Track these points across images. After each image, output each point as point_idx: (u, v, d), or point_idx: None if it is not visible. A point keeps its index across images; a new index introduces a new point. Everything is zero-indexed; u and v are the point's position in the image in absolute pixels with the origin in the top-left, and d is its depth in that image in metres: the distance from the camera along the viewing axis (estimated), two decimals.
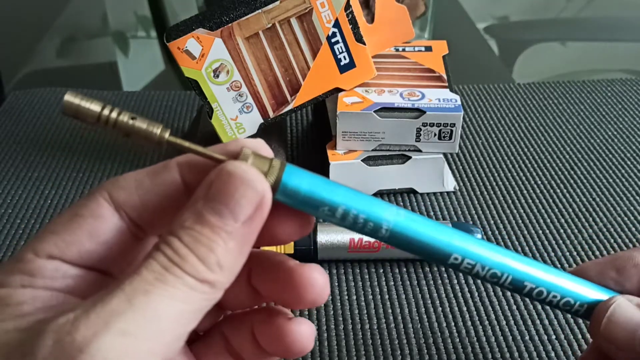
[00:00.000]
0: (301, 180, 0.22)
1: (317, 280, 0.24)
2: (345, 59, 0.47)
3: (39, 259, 0.22)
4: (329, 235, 0.42)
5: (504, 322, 0.38)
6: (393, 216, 0.23)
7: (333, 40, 0.46)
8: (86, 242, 0.22)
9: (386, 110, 0.47)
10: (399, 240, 0.23)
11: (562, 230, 0.46)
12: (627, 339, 0.25)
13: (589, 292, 0.26)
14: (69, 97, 0.21)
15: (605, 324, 0.25)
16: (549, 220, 0.47)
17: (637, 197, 0.49)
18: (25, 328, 0.20)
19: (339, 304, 0.40)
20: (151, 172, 0.23)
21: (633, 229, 0.46)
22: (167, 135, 0.22)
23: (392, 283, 0.41)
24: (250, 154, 0.22)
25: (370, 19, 0.48)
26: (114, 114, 0.21)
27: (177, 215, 0.21)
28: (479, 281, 0.41)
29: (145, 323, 0.19)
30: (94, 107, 0.21)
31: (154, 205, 0.23)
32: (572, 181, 0.51)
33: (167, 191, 0.23)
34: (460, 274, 0.42)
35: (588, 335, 0.37)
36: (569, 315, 0.39)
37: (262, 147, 0.23)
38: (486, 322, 0.38)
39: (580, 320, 0.38)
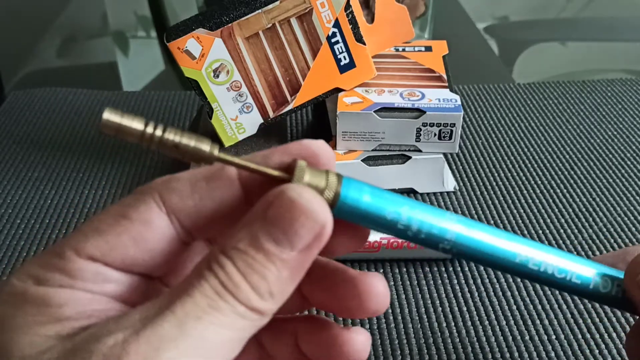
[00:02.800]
0: (360, 193, 0.21)
1: (379, 289, 0.23)
2: (345, 59, 0.47)
3: (80, 259, 0.21)
4: None
5: (504, 322, 0.38)
6: (457, 224, 0.22)
7: (333, 40, 0.46)
8: (131, 249, 0.21)
9: (386, 110, 0.47)
10: (463, 250, 0.23)
11: (562, 230, 0.46)
12: None
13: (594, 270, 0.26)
14: (109, 115, 0.19)
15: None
16: (549, 220, 0.47)
17: (637, 197, 0.49)
18: (68, 335, 0.19)
19: None
20: (208, 176, 0.22)
21: (633, 229, 0.46)
22: (216, 152, 0.20)
23: (392, 283, 0.41)
24: (306, 170, 0.21)
25: (370, 19, 0.48)
26: (158, 132, 0.20)
27: (232, 233, 0.20)
28: (479, 281, 0.41)
29: (196, 352, 0.18)
30: (137, 124, 0.20)
31: (209, 211, 0.22)
32: (572, 181, 0.51)
33: (224, 197, 0.22)
34: (461, 274, 0.42)
35: (588, 336, 0.37)
36: (569, 316, 0.39)
37: (323, 150, 0.22)
38: (486, 322, 0.38)
39: (581, 321, 0.38)
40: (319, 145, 0.22)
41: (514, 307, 0.39)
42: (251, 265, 0.19)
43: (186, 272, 0.24)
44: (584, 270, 0.24)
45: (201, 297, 0.19)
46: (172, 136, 0.20)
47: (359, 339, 0.24)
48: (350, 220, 0.22)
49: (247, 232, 0.20)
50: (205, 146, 0.20)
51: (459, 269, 0.42)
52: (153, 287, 0.23)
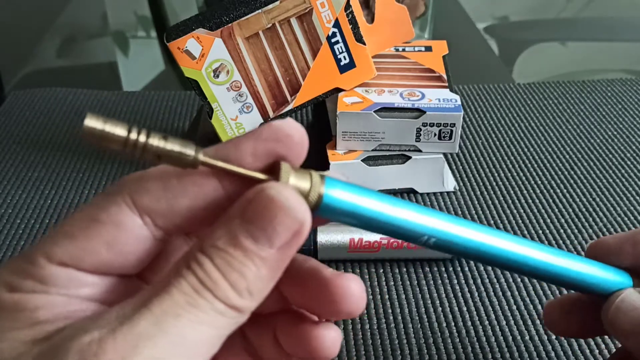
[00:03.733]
0: (343, 193, 0.21)
1: (354, 291, 0.23)
2: (345, 59, 0.47)
3: (51, 265, 0.20)
4: (329, 235, 0.42)
5: (504, 322, 0.38)
6: (438, 219, 0.23)
7: (333, 40, 0.46)
8: (104, 253, 0.21)
9: (386, 110, 0.47)
10: (444, 244, 0.23)
11: (562, 230, 0.46)
12: (631, 328, 0.25)
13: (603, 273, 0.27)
14: (90, 122, 0.18)
15: (612, 312, 0.26)
16: (549, 220, 0.47)
17: (637, 197, 0.49)
18: (44, 338, 0.19)
19: None
20: (180, 172, 0.21)
21: (633, 228, 0.46)
22: (201, 156, 0.20)
23: (392, 283, 0.41)
24: (291, 171, 0.21)
25: (370, 19, 0.48)
26: (142, 137, 0.19)
27: (210, 231, 0.20)
28: (479, 281, 0.41)
29: (174, 349, 0.18)
30: (120, 131, 0.19)
31: (184, 208, 0.21)
32: (572, 181, 0.51)
33: (199, 192, 0.21)
34: (461, 274, 0.42)
35: None
36: None
37: (295, 130, 0.21)
38: (486, 322, 0.38)
39: None
40: (291, 126, 0.21)
41: (514, 307, 0.39)
42: (230, 263, 0.19)
43: (165, 268, 0.23)
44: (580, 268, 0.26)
45: (179, 295, 0.19)
46: (156, 142, 0.19)
47: (328, 335, 0.24)
48: (333, 219, 0.22)
49: (226, 230, 0.20)
50: (190, 151, 0.20)
51: (459, 269, 0.42)
52: (131, 285, 0.23)
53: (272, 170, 0.21)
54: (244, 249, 0.19)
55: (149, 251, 0.22)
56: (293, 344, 0.24)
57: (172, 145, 0.20)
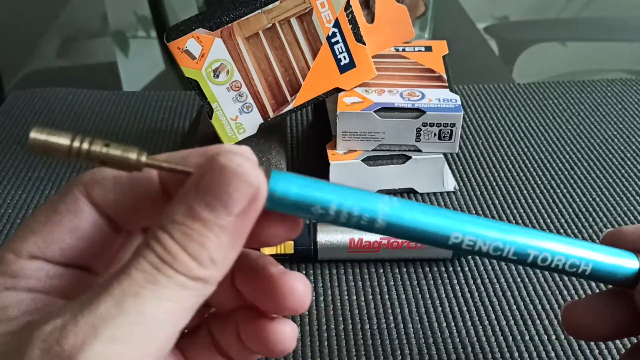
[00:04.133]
0: (289, 184, 0.21)
1: (297, 290, 0.23)
2: (345, 59, 0.47)
3: (20, 259, 0.21)
4: (329, 235, 0.42)
5: (504, 322, 0.38)
6: (387, 205, 0.23)
7: (333, 40, 0.46)
8: (67, 239, 0.22)
9: (386, 110, 0.47)
10: (397, 229, 0.23)
11: (562, 230, 0.46)
12: None
13: (606, 257, 0.26)
14: (35, 134, 0.20)
15: None
16: (549, 220, 0.47)
17: (637, 197, 0.49)
18: (14, 331, 0.20)
19: (339, 304, 0.40)
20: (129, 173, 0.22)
21: None
22: (144, 158, 0.21)
23: (392, 283, 0.41)
24: None
25: (370, 19, 0.48)
26: (85, 145, 0.20)
27: (167, 208, 0.20)
28: (478, 281, 0.41)
29: (136, 327, 0.19)
30: (63, 140, 0.20)
31: (131, 203, 0.22)
32: (572, 181, 0.51)
33: (144, 192, 0.22)
34: (461, 274, 0.42)
35: None
36: None
37: (247, 154, 0.22)
38: (486, 322, 0.38)
39: None
40: (241, 151, 0.21)
41: (514, 307, 0.39)
42: (189, 235, 0.19)
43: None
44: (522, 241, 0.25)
45: (138, 274, 0.19)
46: (98, 148, 0.20)
47: (283, 330, 0.24)
48: (283, 211, 0.22)
49: (183, 204, 0.20)
50: (132, 155, 0.21)
51: (459, 269, 0.42)
52: (98, 282, 0.23)
53: None
54: (202, 219, 0.20)
55: (108, 239, 0.23)
56: (252, 339, 0.25)
57: (115, 151, 0.20)
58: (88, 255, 0.23)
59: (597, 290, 0.41)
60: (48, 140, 0.20)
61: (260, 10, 0.45)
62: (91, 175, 0.22)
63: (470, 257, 0.43)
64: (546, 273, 0.42)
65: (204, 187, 0.20)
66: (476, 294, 0.40)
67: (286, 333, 0.24)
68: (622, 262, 0.26)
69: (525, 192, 0.50)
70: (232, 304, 0.25)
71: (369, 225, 0.23)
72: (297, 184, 0.22)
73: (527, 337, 0.37)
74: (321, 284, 0.41)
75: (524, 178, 0.52)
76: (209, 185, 0.20)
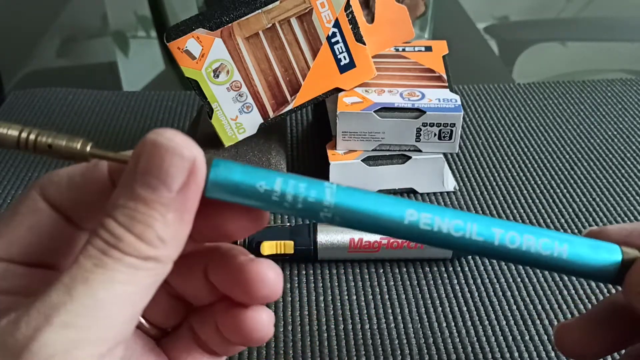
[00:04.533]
0: (229, 171, 0.21)
1: (267, 276, 0.23)
2: (345, 59, 0.47)
3: None
4: (329, 235, 0.42)
5: (504, 322, 0.38)
6: (333, 188, 0.22)
7: (333, 40, 0.46)
8: (28, 237, 0.22)
9: (386, 110, 0.47)
10: (347, 215, 0.22)
11: (562, 230, 0.46)
12: None
13: (583, 242, 0.23)
14: None
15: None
16: (549, 220, 0.47)
17: (637, 197, 0.49)
18: None
19: (339, 304, 0.40)
20: (84, 169, 0.23)
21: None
22: (88, 148, 0.21)
23: (392, 283, 0.41)
24: None
25: (370, 19, 0.48)
26: (32, 136, 0.21)
27: (111, 196, 0.20)
28: (479, 281, 0.41)
29: (89, 312, 0.19)
30: (12, 131, 0.21)
31: (85, 202, 0.23)
32: (572, 181, 0.51)
33: (96, 189, 0.22)
34: (461, 274, 0.42)
35: None
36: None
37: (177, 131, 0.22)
38: (486, 322, 0.38)
39: None
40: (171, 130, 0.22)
41: (514, 307, 0.39)
42: (133, 217, 0.20)
43: None
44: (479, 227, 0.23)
45: (86, 260, 0.19)
46: (44, 138, 0.21)
47: (258, 317, 0.24)
48: (226, 199, 0.21)
49: (124, 188, 0.20)
50: (76, 144, 0.21)
51: (459, 269, 0.42)
52: None
53: None
54: (143, 199, 0.20)
55: (68, 237, 0.23)
56: (229, 329, 0.25)
57: (60, 141, 0.21)
58: (50, 253, 0.23)
59: (595, 293, 0.41)
60: None
61: (260, 10, 0.45)
62: (47, 177, 0.23)
63: (470, 257, 0.43)
64: (546, 273, 0.42)
65: (142, 168, 0.20)
66: (476, 294, 0.40)
67: (261, 320, 0.24)
68: (603, 251, 0.23)
69: (525, 192, 0.50)
70: (209, 298, 0.25)
71: (315, 209, 0.21)
72: (240, 169, 0.21)
73: (527, 337, 0.37)
74: (321, 284, 0.41)
75: (524, 178, 0.52)
76: (145, 165, 0.20)
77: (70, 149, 0.21)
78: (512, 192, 0.50)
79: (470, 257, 0.43)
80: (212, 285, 0.25)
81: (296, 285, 0.41)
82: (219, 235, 0.23)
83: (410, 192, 0.50)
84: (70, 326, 0.18)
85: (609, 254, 0.23)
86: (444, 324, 0.38)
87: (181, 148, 0.20)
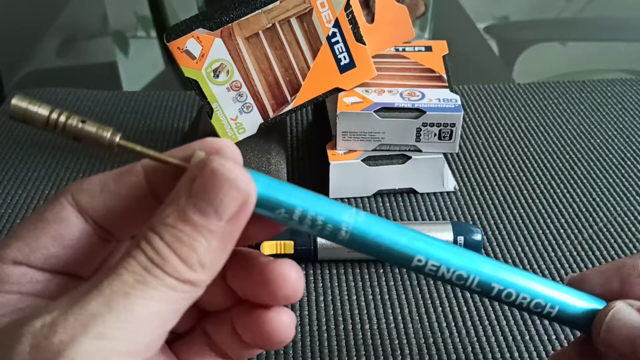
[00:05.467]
0: (256, 183, 0.21)
1: (289, 276, 0.23)
2: (345, 59, 0.47)
3: (4, 265, 0.22)
4: None
5: (504, 322, 0.38)
6: (353, 217, 0.22)
7: (333, 40, 0.46)
8: (51, 247, 0.22)
9: (386, 110, 0.47)
10: (360, 242, 0.23)
11: (562, 230, 0.46)
12: (627, 346, 0.24)
13: (573, 299, 0.25)
14: (16, 102, 0.20)
15: (604, 330, 0.24)
16: (549, 220, 0.47)
17: (637, 197, 0.49)
18: (1, 328, 0.20)
19: (339, 304, 0.40)
20: (117, 175, 0.23)
21: (633, 229, 0.46)
22: (117, 139, 0.21)
23: (392, 283, 0.41)
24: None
25: (370, 19, 0.48)
26: (62, 118, 0.21)
27: (159, 210, 0.20)
28: None
29: (124, 326, 0.19)
30: (42, 110, 0.21)
31: (119, 208, 0.23)
32: (572, 181, 0.51)
33: (132, 194, 0.22)
34: None
35: None
36: None
37: (226, 147, 0.22)
38: (486, 322, 0.38)
39: None
40: (223, 142, 0.22)
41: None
42: (179, 238, 0.20)
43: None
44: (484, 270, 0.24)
45: (128, 274, 0.19)
46: (75, 122, 0.21)
47: (281, 319, 0.24)
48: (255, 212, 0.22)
49: (174, 207, 0.20)
50: (106, 133, 0.21)
51: None
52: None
53: (189, 161, 0.22)
54: (193, 223, 0.20)
55: (94, 247, 0.23)
56: (249, 333, 0.25)
57: (90, 127, 0.21)
58: (74, 263, 0.23)
59: None
60: (28, 109, 0.20)
61: (260, 10, 0.45)
62: (79, 183, 0.23)
63: None
64: (546, 272, 0.42)
65: (196, 192, 0.20)
66: (476, 294, 0.40)
67: (283, 321, 0.24)
68: (590, 311, 0.25)
69: (525, 192, 0.50)
70: (226, 303, 0.25)
71: (332, 234, 0.22)
72: (265, 183, 0.22)
73: (527, 337, 0.37)
74: (321, 284, 0.41)
75: (524, 178, 0.52)
76: (201, 190, 0.20)
77: (99, 136, 0.21)
78: (512, 192, 0.50)
79: None
80: (230, 289, 0.25)
81: None
82: (240, 240, 0.23)
83: (410, 192, 0.50)
84: (104, 337, 0.19)
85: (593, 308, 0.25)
86: (444, 324, 0.38)
87: (239, 181, 0.20)
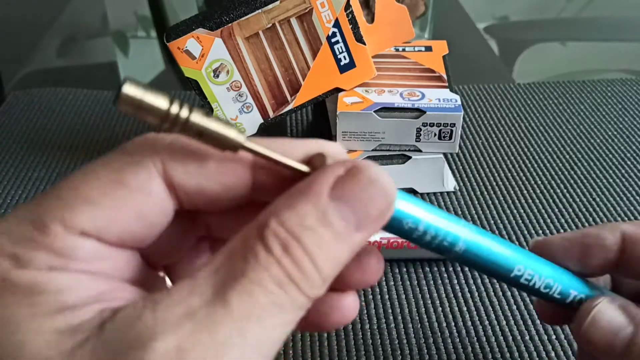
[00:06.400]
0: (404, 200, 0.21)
1: (369, 264, 0.21)
2: (345, 59, 0.47)
3: (70, 235, 0.17)
4: None
5: (504, 322, 0.38)
6: (467, 232, 0.22)
7: (333, 40, 0.46)
8: (133, 223, 0.18)
9: (386, 110, 0.47)
10: (471, 257, 0.23)
11: (562, 230, 0.46)
12: (605, 344, 0.24)
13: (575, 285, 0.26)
14: (129, 90, 0.16)
15: (586, 327, 0.24)
16: (549, 220, 0.47)
17: (637, 197, 0.49)
18: (76, 330, 0.16)
19: None
20: (219, 156, 0.19)
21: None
22: (243, 140, 0.18)
23: (392, 283, 0.41)
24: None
25: (370, 19, 0.48)
26: (184, 112, 0.17)
27: (291, 206, 0.17)
28: (479, 281, 0.41)
29: (252, 352, 0.16)
30: (161, 103, 0.17)
31: (212, 195, 0.19)
32: (572, 181, 0.51)
33: (232, 184, 0.19)
34: (461, 274, 0.42)
35: None
36: None
37: (341, 153, 0.20)
38: (486, 322, 0.38)
39: None
40: (334, 147, 0.20)
41: (514, 307, 0.39)
42: (321, 247, 0.17)
43: (175, 244, 0.21)
44: (567, 284, 0.26)
45: (261, 293, 0.16)
46: (198, 118, 0.17)
47: (348, 303, 0.22)
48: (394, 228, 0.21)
49: (314, 206, 0.17)
50: (234, 133, 0.18)
51: (459, 269, 0.42)
52: (144, 260, 0.21)
53: (312, 166, 0.19)
54: (334, 230, 0.17)
55: (169, 228, 0.19)
56: (314, 312, 0.21)
57: (217, 125, 0.18)
58: (147, 242, 0.19)
59: None
60: (144, 100, 0.16)
61: (260, 10, 0.45)
62: (172, 149, 0.18)
63: None
64: None
65: (344, 196, 0.17)
66: (476, 294, 0.40)
67: (350, 305, 0.22)
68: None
69: (525, 192, 0.50)
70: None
71: (448, 249, 0.22)
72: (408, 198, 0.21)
73: (527, 337, 0.37)
74: None
75: (524, 178, 0.52)
76: (350, 195, 0.17)
77: (224, 138, 0.18)
78: (512, 192, 0.50)
79: None
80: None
81: None
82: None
83: (410, 192, 0.50)
84: None
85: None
86: (444, 324, 0.38)
87: (394, 198, 0.18)
